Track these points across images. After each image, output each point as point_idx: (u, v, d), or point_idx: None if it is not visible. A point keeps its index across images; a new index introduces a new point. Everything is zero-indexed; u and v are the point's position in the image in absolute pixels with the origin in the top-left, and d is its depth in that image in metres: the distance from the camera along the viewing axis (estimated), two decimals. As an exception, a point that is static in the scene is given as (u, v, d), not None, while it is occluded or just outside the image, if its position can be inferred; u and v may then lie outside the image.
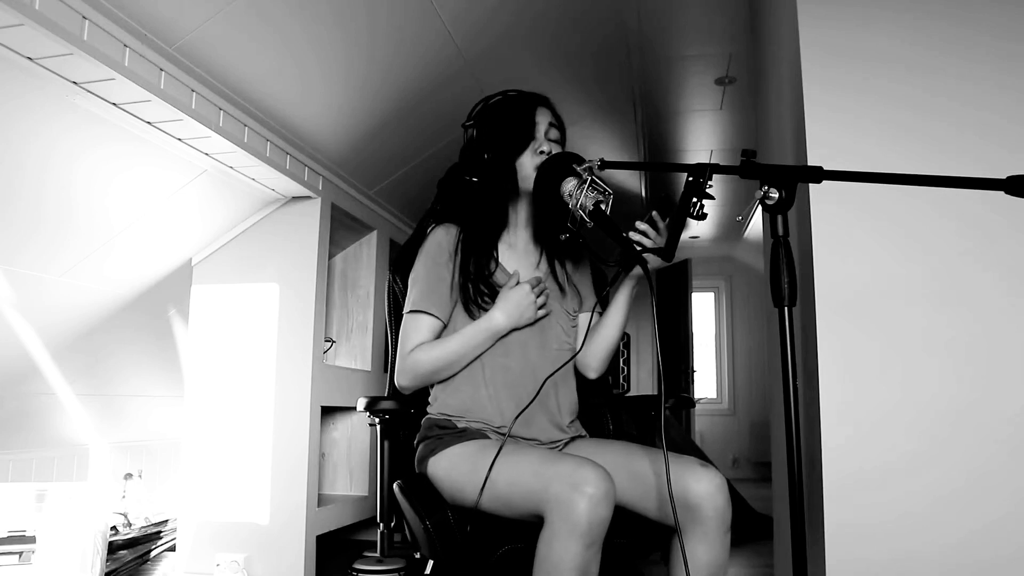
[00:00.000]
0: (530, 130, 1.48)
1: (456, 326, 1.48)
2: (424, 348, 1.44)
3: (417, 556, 1.40)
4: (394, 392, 1.54)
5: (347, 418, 3.24)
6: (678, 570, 1.30)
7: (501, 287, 1.48)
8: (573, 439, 1.51)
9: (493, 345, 1.46)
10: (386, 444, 1.49)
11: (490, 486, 1.27)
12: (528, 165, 1.46)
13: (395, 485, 1.45)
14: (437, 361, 1.44)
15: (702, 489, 1.24)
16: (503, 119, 1.49)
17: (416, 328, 1.46)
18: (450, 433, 1.42)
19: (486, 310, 1.46)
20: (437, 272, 1.47)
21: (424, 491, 1.40)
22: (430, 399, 1.51)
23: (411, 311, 1.47)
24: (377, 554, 1.39)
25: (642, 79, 3.53)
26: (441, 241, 1.50)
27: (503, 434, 1.41)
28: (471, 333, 1.44)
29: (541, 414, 1.46)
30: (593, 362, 1.57)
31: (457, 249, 1.49)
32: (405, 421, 1.57)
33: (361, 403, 1.51)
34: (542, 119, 1.49)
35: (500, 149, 1.47)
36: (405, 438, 1.57)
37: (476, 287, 1.47)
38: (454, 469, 1.35)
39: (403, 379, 1.46)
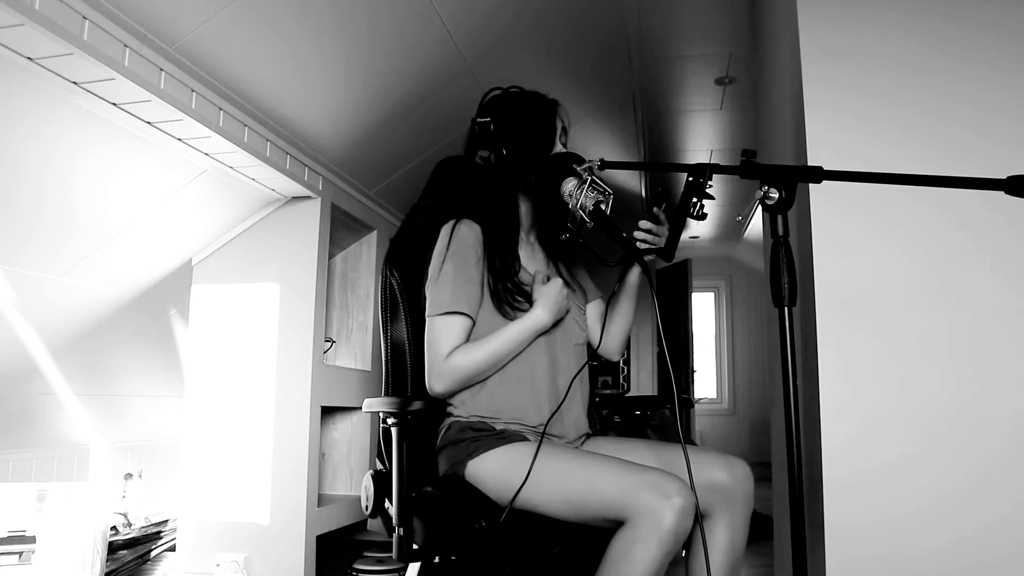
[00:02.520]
0: (552, 136, 1.49)
1: (484, 326, 1.46)
2: (463, 351, 1.41)
3: (436, 560, 1.38)
4: (395, 391, 1.53)
5: (347, 418, 3.24)
6: (698, 556, 1.32)
7: (527, 286, 1.48)
8: (588, 436, 1.53)
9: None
10: (404, 446, 1.43)
11: (559, 487, 1.27)
12: None
13: (430, 488, 1.41)
14: (480, 363, 1.41)
15: (734, 474, 1.32)
16: (526, 121, 1.49)
17: (450, 330, 1.42)
18: (487, 435, 1.41)
19: (520, 309, 1.45)
20: (467, 272, 1.44)
21: (470, 492, 1.37)
22: (454, 402, 1.48)
23: (445, 312, 1.42)
24: (393, 556, 1.36)
25: (642, 79, 3.53)
26: (467, 239, 1.46)
27: (540, 433, 1.41)
28: (514, 332, 1.42)
29: (567, 410, 1.48)
30: (615, 346, 1.64)
31: (484, 248, 1.48)
32: (427, 422, 1.52)
33: (385, 404, 1.40)
34: (558, 124, 1.51)
35: (521, 150, 1.47)
36: (416, 439, 1.52)
37: (506, 287, 1.46)
38: (506, 470, 1.33)
39: (440, 384, 1.42)
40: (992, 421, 1.44)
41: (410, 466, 1.39)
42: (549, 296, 1.44)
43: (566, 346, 1.51)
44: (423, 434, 1.52)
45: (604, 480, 1.23)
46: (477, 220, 1.51)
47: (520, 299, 1.46)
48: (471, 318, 1.44)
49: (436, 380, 1.42)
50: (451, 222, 1.50)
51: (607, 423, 1.76)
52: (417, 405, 1.39)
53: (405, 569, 2.71)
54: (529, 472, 1.28)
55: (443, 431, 1.48)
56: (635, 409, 1.74)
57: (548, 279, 1.48)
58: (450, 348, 1.41)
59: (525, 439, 1.40)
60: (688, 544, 1.35)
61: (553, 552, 1.26)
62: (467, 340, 1.44)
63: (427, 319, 1.45)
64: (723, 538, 1.30)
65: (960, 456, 1.44)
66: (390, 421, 1.40)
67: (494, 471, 1.35)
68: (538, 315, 1.43)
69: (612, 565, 1.16)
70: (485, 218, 1.51)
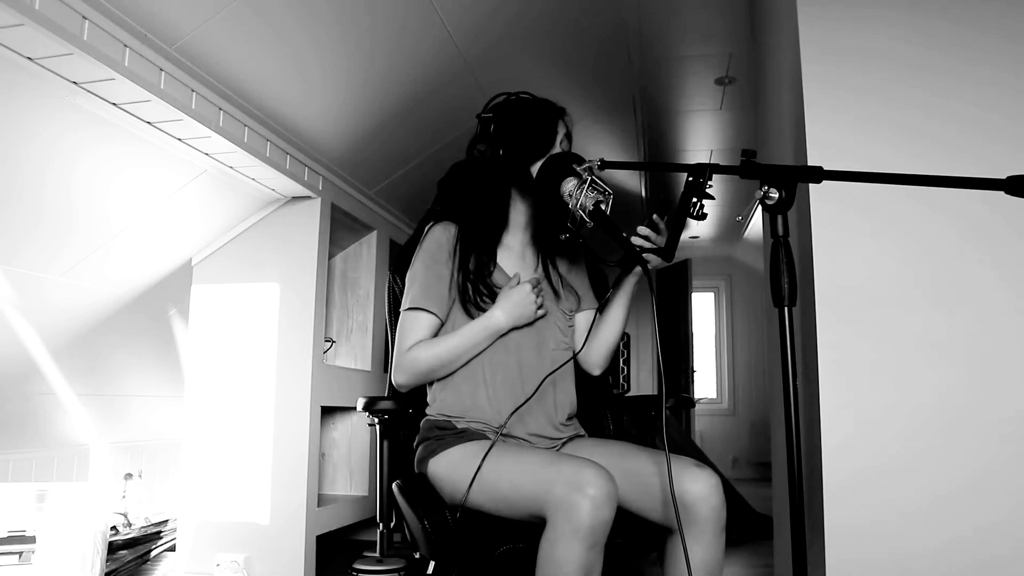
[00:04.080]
0: (551, 139, 1.49)
1: (454, 325, 1.48)
2: (422, 346, 1.44)
3: (417, 556, 1.40)
4: (394, 392, 1.55)
5: (347, 418, 3.24)
6: (674, 570, 1.30)
7: (499, 288, 1.48)
8: (571, 439, 1.52)
9: (492, 345, 1.46)
10: (385, 444, 1.49)
11: (493, 487, 1.27)
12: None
13: (394, 485, 1.45)
14: (435, 359, 1.44)
15: (698, 489, 1.25)
16: (527, 122, 1.49)
17: (414, 326, 1.46)
18: (450, 434, 1.43)
19: (484, 310, 1.46)
20: (436, 270, 1.47)
21: (423, 491, 1.40)
22: (428, 400, 1.51)
23: (409, 308, 1.47)
24: (377, 554, 1.39)
25: (642, 79, 3.53)
26: (440, 239, 1.50)
27: (502, 434, 1.42)
28: (471, 332, 1.44)
29: (539, 413, 1.47)
30: (597, 359, 1.59)
31: (456, 248, 1.50)
32: (405, 421, 1.57)
33: (360, 403, 1.51)
34: (560, 131, 1.51)
35: (519, 150, 1.47)
36: (405, 438, 1.58)
37: (475, 287, 1.47)
38: (455, 470, 1.35)
39: (400, 376, 1.46)
40: (992, 421, 1.44)
41: (398, 464, 1.43)
42: (509, 299, 1.45)
43: (542, 349, 1.50)
44: (416, 432, 1.54)
45: (523, 476, 1.23)
46: (460, 219, 1.53)
47: (487, 300, 1.47)
48: (436, 315, 1.47)
49: (397, 372, 1.47)
50: (431, 223, 1.53)
51: (619, 425, 1.75)
52: (385, 404, 1.48)
53: (404, 569, 2.72)
54: (477, 471, 1.28)
55: (420, 429, 1.51)
56: (642, 408, 1.74)
57: (519, 282, 1.47)
58: (412, 342, 1.45)
59: (485, 438, 1.41)
60: (662, 556, 1.35)
61: (499, 551, 1.27)
62: (433, 336, 1.47)
63: (400, 314, 1.51)
64: (695, 553, 1.25)
65: (959, 456, 1.44)
66: (374, 420, 1.45)
67: (447, 470, 1.37)
68: (495, 316, 1.44)
69: (542, 569, 1.15)
70: (467, 217, 1.53)
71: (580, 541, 1.11)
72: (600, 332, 1.57)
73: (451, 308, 1.49)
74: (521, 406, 1.41)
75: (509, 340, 1.47)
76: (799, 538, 1.01)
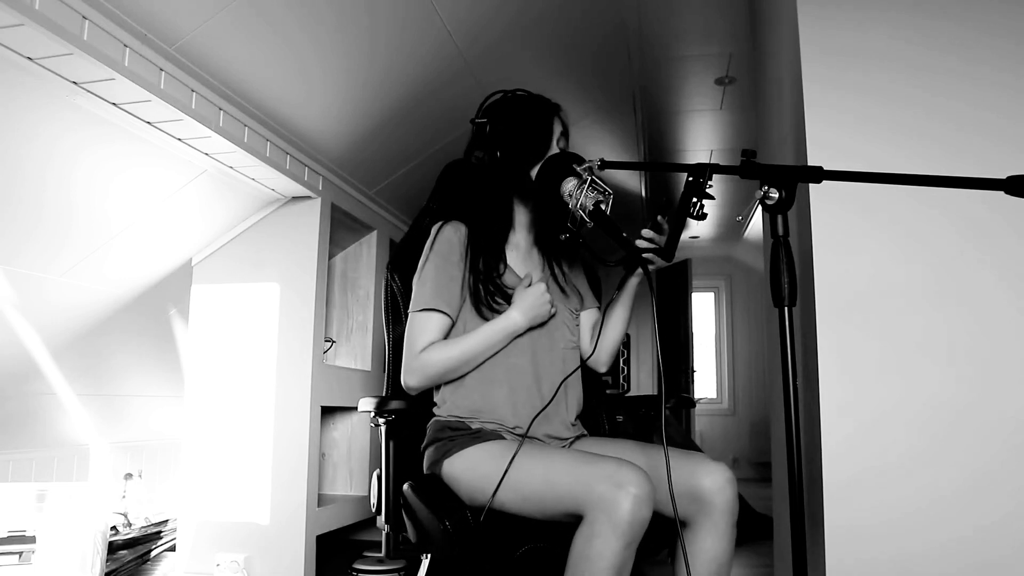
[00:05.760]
0: (548, 139, 1.48)
1: (466, 326, 1.47)
2: (436, 347, 1.43)
3: (424, 557, 1.39)
4: (395, 392, 1.54)
5: (347, 418, 3.24)
6: (682, 566, 1.31)
7: (510, 288, 1.48)
8: (578, 437, 1.52)
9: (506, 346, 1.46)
10: (391, 445, 1.47)
11: (522, 485, 1.27)
12: None
13: (406, 486, 1.43)
14: (451, 361, 1.42)
15: (713, 482, 1.27)
16: (522, 123, 1.48)
17: (426, 327, 1.44)
18: (464, 434, 1.41)
19: (498, 311, 1.45)
20: (448, 270, 1.46)
21: (439, 492, 1.38)
22: (437, 400, 1.50)
23: (422, 309, 1.45)
24: (382, 554, 1.38)
25: (642, 79, 3.53)
26: (451, 239, 1.48)
27: (518, 434, 1.41)
28: (488, 333, 1.43)
29: (553, 413, 1.47)
30: (604, 357, 1.61)
31: (467, 248, 1.49)
32: (410, 421, 1.56)
33: (368, 403, 1.47)
34: (556, 128, 1.50)
35: (516, 153, 1.47)
36: (408, 438, 1.56)
37: (487, 288, 1.46)
38: (475, 469, 1.34)
39: (412, 379, 1.44)
40: (992, 421, 1.44)
41: (401, 464, 1.41)
42: (525, 299, 1.44)
43: (552, 349, 1.50)
44: (419, 433, 1.53)
45: (559, 474, 1.23)
46: (468, 221, 1.52)
47: (500, 301, 1.46)
48: (449, 316, 1.45)
49: (408, 374, 1.44)
50: (439, 223, 1.52)
51: (614, 424, 1.76)
52: (395, 404, 1.44)
53: (404, 569, 2.72)
54: (505, 474, 1.27)
55: (428, 430, 1.50)
56: (640, 408, 1.74)
57: (532, 283, 1.47)
58: (424, 344, 1.43)
59: (501, 438, 1.40)
60: (672, 553, 1.35)
61: (519, 552, 1.27)
62: (445, 338, 1.45)
63: (408, 314, 1.48)
64: (707, 547, 1.27)
65: (960, 456, 1.44)
66: (380, 420, 1.43)
67: (465, 470, 1.36)
68: (513, 317, 1.43)
69: (575, 564, 1.15)
70: (475, 219, 1.52)
71: (618, 538, 1.12)
72: (605, 331, 1.58)
73: (462, 309, 1.48)
74: (543, 409, 1.42)
75: (521, 340, 1.47)
76: (799, 538, 1.01)
